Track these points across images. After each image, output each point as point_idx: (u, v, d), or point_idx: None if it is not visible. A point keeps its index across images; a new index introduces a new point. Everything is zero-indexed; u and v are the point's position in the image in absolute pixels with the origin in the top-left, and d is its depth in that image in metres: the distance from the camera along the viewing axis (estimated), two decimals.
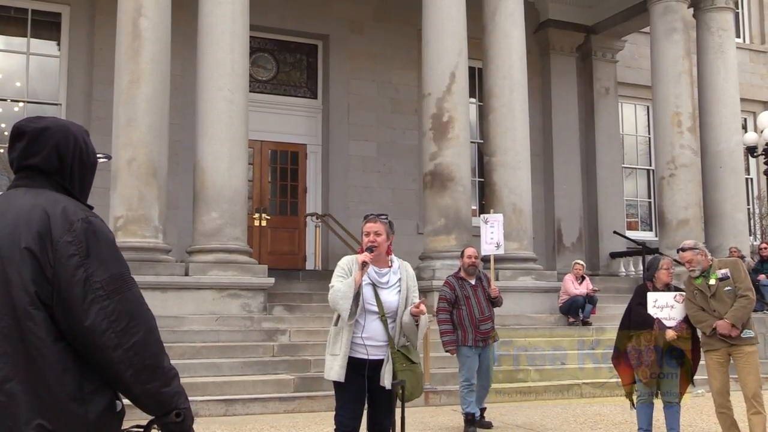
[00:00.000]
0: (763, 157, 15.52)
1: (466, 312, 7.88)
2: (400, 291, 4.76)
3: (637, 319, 6.84)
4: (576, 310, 12.68)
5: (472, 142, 14.26)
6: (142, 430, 2.12)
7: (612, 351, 7.11)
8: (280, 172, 15.53)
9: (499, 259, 12.78)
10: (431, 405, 9.51)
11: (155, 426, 2.10)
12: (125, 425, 2.11)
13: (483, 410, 8.09)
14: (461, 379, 7.91)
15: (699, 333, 6.74)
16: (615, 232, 17.46)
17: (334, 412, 4.78)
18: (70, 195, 2.15)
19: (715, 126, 15.34)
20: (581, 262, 13.62)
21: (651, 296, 6.75)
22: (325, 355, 4.78)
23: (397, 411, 4.85)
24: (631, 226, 18.81)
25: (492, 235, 9.03)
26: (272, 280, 11.20)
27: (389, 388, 4.60)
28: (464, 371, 7.87)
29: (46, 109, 13.51)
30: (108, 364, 1.98)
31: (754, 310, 7.58)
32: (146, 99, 10.80)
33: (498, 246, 9.05)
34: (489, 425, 7.97)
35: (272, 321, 11.00)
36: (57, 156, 2.15)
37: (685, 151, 14.70)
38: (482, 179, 14.78)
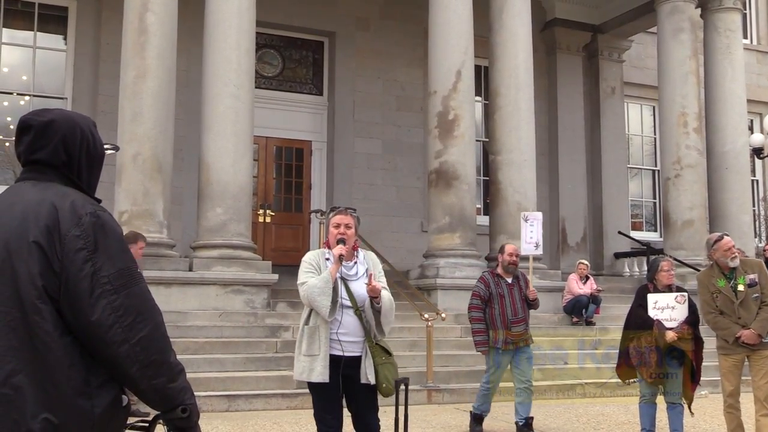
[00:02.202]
0: None
1: (499, 311, 7.45)
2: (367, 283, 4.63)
3: (636, 321, 6.85)
4: (580, 310, 12.67)
5: (477, 140, 14.25)
6: (147, 425, 2.12)
7: (617, 356, 7.11)
8: (284, 168, 15.52)
9: None
10: (434, 403, 9.52)
11: (160, 421, 2.09)
12: (130, 420, 2.10)
13: (530, 419, 7.42)
14: (483, 379, 7.61)
15: (704, 335, 6.73)
16: (620, 233, 17.43)
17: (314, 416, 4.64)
18: (78, 188, 2.13)
19: (722, 127, 15.29)
20: (585, 262, 13.61)
21: (651, 298, 6.74)
22: (298, 356, 4.58)
23: (400, 409, 4.85)
24: (635, 227, 18.77)
25: (531, 234, 8.53)
26: (276, 276, 11.20)
27: (373, 383, 4.52)
28: (489, 374, 7.52)
29: (52, 102, 13.52)
30: (114, 359, 1.97)
31: None
32: (152, 94, 10.80)
33: (537, 246, 8.49)
34: None
35: (275, 317, 11.01)
36: (64, 149, 2.13)
37: (690, 151, 14.66)
38: (487, 178, 14.76)
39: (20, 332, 1.93)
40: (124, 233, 8.46)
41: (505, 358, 7.46)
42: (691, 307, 6.70)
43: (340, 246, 4.54)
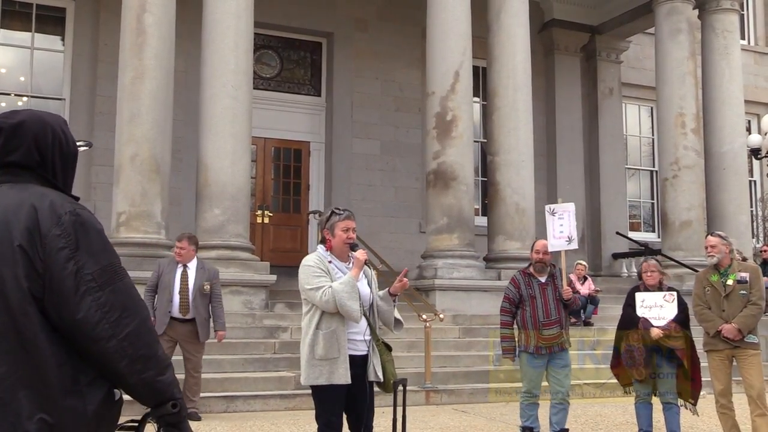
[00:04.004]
0: (767, 159, 15.49)
1: (530, 313, 6.91)
2: (368, 282, 4.75)
3: (625, 319, 6.95)
4: (578, 311, 12.67)
5: (475, 141, 14.25)
6: (137, 424, 2.12)
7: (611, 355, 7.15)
8: (283, 169, 15.52)
9: (501, 259, 12.82)
10: (432, 404, 9.52)
11: (150, 419, 2.10)
12: (120, 420, 2.11)
13: (565, 431, 7.02)
14: (522, 389, 7.05)
15: (694, 335, 6.76)
16: (618, 233, 17.44)
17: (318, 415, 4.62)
18: (54, 187, 2.13)
19: (719, 128, 15.31)
20: (583, 263, 13.62)
21: (638, 297, 6.84)
22: (311, 361, 4.51)
23: (398, 410, 4.85)
24: (633, 227, 18.78)
25: (561, 228, 7.57)
26: (274, 277, 11.20)
27: (382, 380, 4.60)
28: (525, 382, 7.00)
29: (49, 104, 13.51)
30: (102, 355, 1.98)
31: None
32: (150, 95, 10.80)
33: (570, 240, 7.50)
34: None
35: (274, 318, 11.00)
36: (36, 149, 2.13)
37: (688, 152, 14.67)
38: (485, 178, 14.77)
39: (9, 335, 1.94)
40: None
41: (539, 363, 6.93)
42: (681, 306, 6.73)
43: (364, 251, 4.63)
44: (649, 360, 6.69)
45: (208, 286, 8.18)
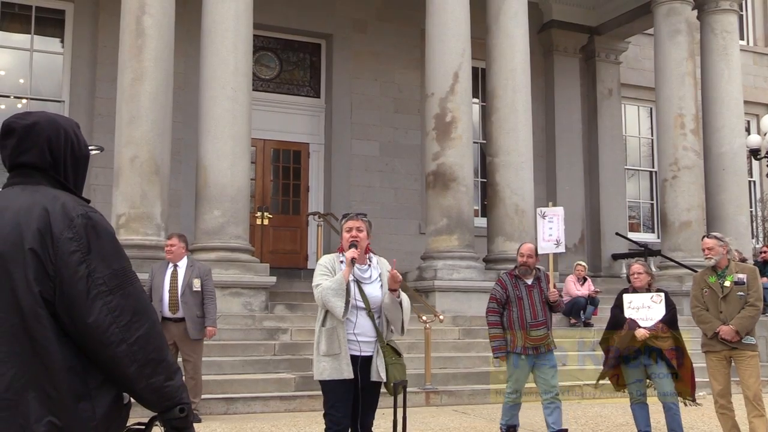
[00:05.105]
0: (766, 159, 15.50)
1: (517, 314, 6.99)
2: (382, 285, 4.81)
3: (611, 321, 6.99)
4: (578, 312, 12.67)
5: (474, 142, 14.24)
6: (143, 427, 2.12)
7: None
8: (282, 170, 15.53)
9: (501, 260, 12.81)
10: (432, 405, 9.51)
11: (157, 423, 2.09)
12: (127, 423, 2.11)
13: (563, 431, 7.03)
14: (507, 390, 7.14)
15: (692, 336, 6.76)
16: (617, 234, 17.45)
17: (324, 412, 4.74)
18: (66, 189, 2.13)
19: (719, 128, 15.31)
20: (583, 264, 13.62)
21: (626, 298, 6.88)
22: (317, 357, 4.71)
23: (399, 411, 4.85)
24: (633, 228, 18.79)
25: (551, 231, 7.73)
26: (274, 278, 11.20)
27: (384, 380, 4.65)
28: (511, 382, 7.07)
29: (49, 105, 13.50)
30: (112, 359, 1.97)
31: None
32: (149, 96, 10.80)
33: (558, 243, 7.70)
34: None
35: (273, 320, 11.00)
36: (49, 151, 2.13)
37: (688, 153, 14.67)
38: (485, 180, 14.77)
39: (20, 338, 1.94)
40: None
41: (526, 364, 7.01)
42: (668, 306, 6.74)
43: (353, 249, 4.70)
44: (620, 359, 6.77)
45: (198, 282, 8.13)
